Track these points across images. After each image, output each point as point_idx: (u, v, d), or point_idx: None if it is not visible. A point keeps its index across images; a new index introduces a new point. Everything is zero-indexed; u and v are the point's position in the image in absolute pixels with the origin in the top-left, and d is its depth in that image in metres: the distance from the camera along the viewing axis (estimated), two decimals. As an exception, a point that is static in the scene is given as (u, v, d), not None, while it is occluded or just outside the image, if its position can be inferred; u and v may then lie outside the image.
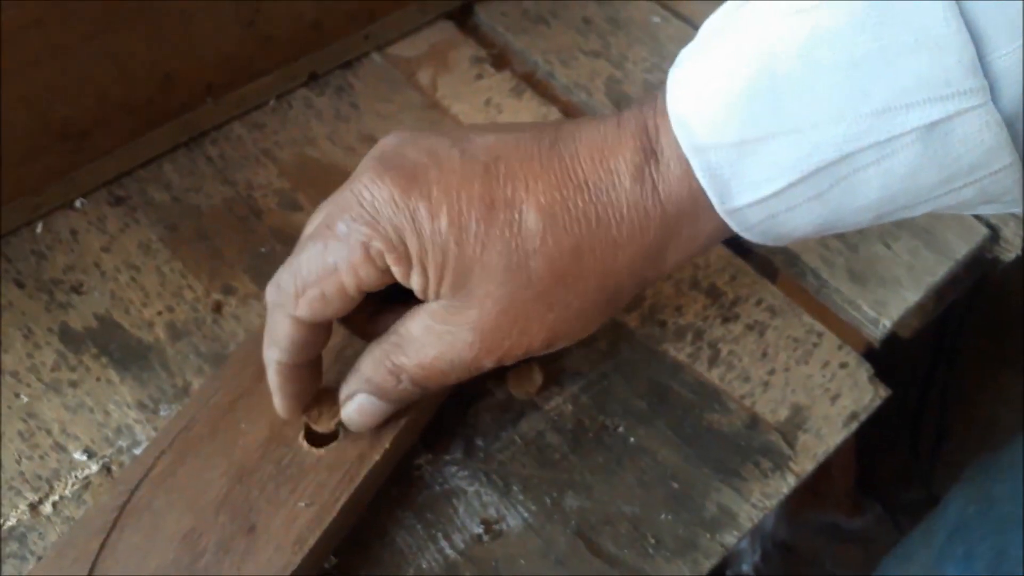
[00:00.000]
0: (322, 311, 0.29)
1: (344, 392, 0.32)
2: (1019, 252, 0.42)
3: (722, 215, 0.27)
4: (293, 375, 0.31)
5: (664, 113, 0.27)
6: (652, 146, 0.27)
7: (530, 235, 0.28)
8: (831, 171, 0.25)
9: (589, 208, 0.28)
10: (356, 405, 0.31)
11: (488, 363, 0.30)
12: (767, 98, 0.24)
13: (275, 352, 0.30)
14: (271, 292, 0.30)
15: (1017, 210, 0.27)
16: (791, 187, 0.25)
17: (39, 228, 0.40)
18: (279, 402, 0.32)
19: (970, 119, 0.23)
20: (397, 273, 0.28)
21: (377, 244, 0.28)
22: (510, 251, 0.28)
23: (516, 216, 0.28)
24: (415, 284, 0.29)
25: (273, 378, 0.31)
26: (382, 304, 0.32)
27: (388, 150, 0.29)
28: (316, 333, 0.30)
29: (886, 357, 0.41)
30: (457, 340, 0.29)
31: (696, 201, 0.27)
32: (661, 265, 0.29)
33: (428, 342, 0.29)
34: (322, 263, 0.28)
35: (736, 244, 0.42)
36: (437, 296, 0.29)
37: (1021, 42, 0.22)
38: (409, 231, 0.28)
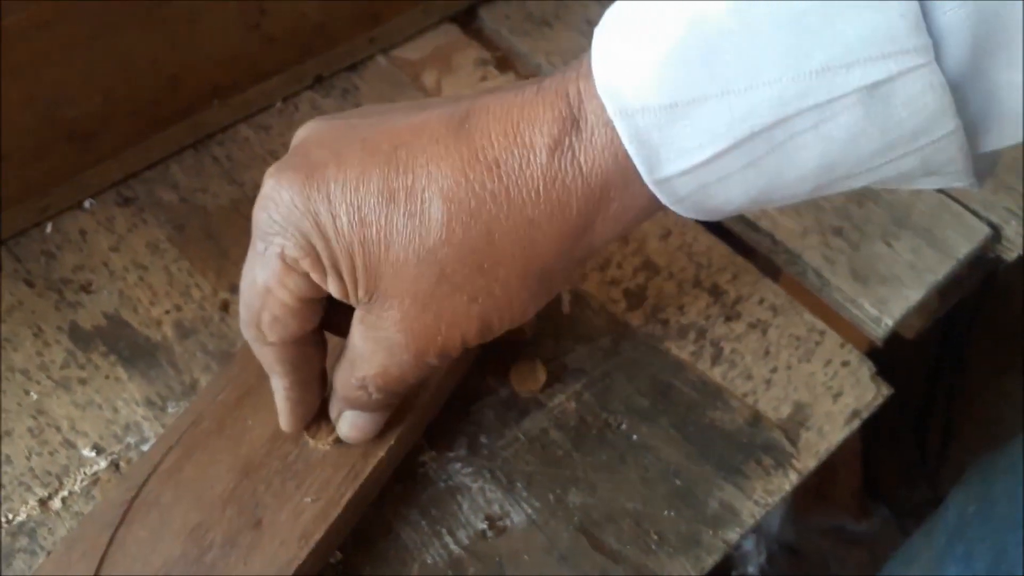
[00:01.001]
0: (284, 331, 0.28)
1: (332, 413, 0.32)
2: (1021, 251, 0.42)
3: (650, 186, 0.25)
4: (300, 397, 0.31)
5: (588, 76, 0.25)
6: (574, 114, 0.25)
7: (435, 225, 0.25)
8: (766, 136, 0.23)
9: (499, 188, 0.25)
10: (347, 422, 0.31)
11: (431, 359, 0.28)
12: (699, 58, 0.22)
13: (276, 379, 0.30)
14: (243, 330, 0.29)
15: (960, 184, 0.25)
16: (724, 153, 0.23)
17: (48, 228, 0.41)
18: (285, 420, 0.32)
19: (913, 80, 0.21)
20: (317, 279, 0.27)
21: (291, 252, 0.27)
22: (416, 245, 0.26)
23: (419, 207, 0.26)
24: (334, 291, 0.27)
25: (281, 404, 0.31)
26: None
27: (296, 144, 0.28)
28: (303, 347, 0.30)
29: (891, 359, 0.41)
30: (392, 343, 0.28)
31: (623, 171, 0.25)
32: (590, 240, 0.26)
33: (370, 350, 0.28)
34: (255, 287, 0.28)
35: (738, 243, 0.43)
36: (358, 301, 0.27)
37: None
38: (315, 235, 0.26)
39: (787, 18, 0.22)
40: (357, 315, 0.28)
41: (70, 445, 0.35)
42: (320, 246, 0.26)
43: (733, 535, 0.34)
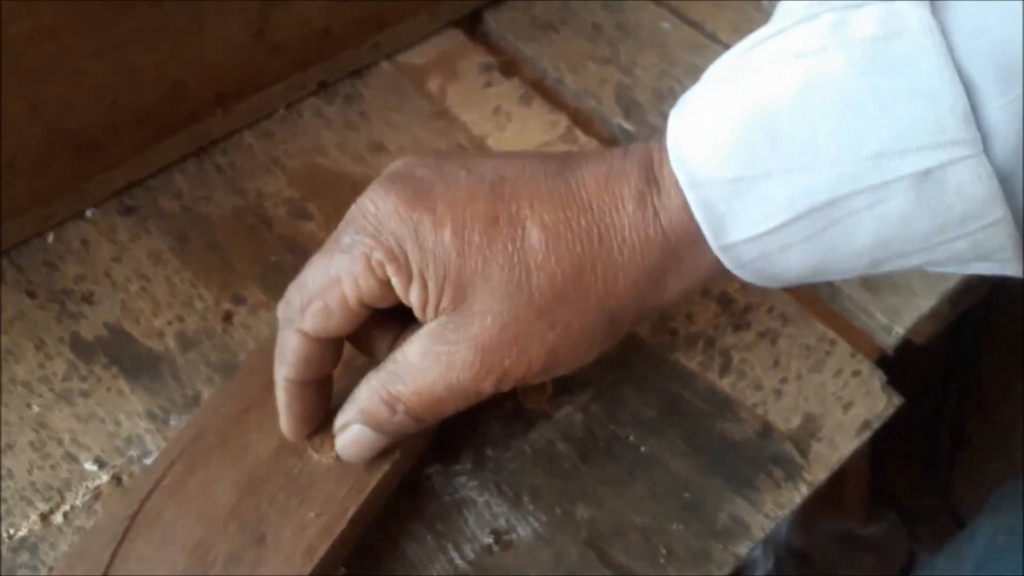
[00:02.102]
0: (325, 324, 0.29)
1: (339, 421, 0.31)
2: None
3: (716, 250, 0.27)
4: (300, 394, 0.31)
5: (665, 149, 0.27)
6: (655, 175, 0.28)
7: (533, 251, 0.28)
8: (824, 212, 0.25)
9: (592, 228, 0.28)
10: (350, 436, 0.31)
11: (487, 386, 0.29)
12: (764, 138, 0.25)
13: (283, 368, 0.30)
14: (281, 308, 0.30)
15: (1014, 272, 0.26)
16: (784, 226, 0.26)
17: (50, 238, 0.41)
18: (285, 422, 0.31)
19: (963, 169, 0.23)
20: (397, 285, 0.28)
21: (378, 255, 0.28)
22: (512, 266, 0.28)
23: (519, 232, 0.28)
24: (414, 298, 0.28)
25: (281, 396, 0.31)
26: (400, 329, 0.32)
27: (398, 168, 0.30)
28: (323, 349, 0.30)
29: (901, 364, 0.41)
30: (456, 360, 0.28)
31: (694, 233, 0.27)
32: (661, 292, 0.29)
33: (425, 366, 0.29)
34: (325, 275, 0.29)
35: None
36: (436, 313, 0.28)
37: (1015, 95, 0.23)
38: (411, 242, 0.28)
39: (846, 107, 0.24)
40: (426, 329, 0.29)
41: (72, 459, 0.35)
42: (413, 253, 0.28)
43: (743, 549, 0.34)
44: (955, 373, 0.82)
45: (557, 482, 0.35)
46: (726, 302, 0.40)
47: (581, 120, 0.45)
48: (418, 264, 0.28)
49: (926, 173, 0.24)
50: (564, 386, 0.37)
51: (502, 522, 0.34)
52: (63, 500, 0.34)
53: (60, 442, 0.35)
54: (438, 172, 0.29)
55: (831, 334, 0.39)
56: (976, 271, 0.27)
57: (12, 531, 0.33)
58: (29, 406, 0.36)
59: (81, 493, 0.34)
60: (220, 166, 0.43)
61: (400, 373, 0.29)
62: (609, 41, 0.48)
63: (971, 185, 0.24)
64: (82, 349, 0.38)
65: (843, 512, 0.86)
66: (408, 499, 0.34)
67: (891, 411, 0.37)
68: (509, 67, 0.47)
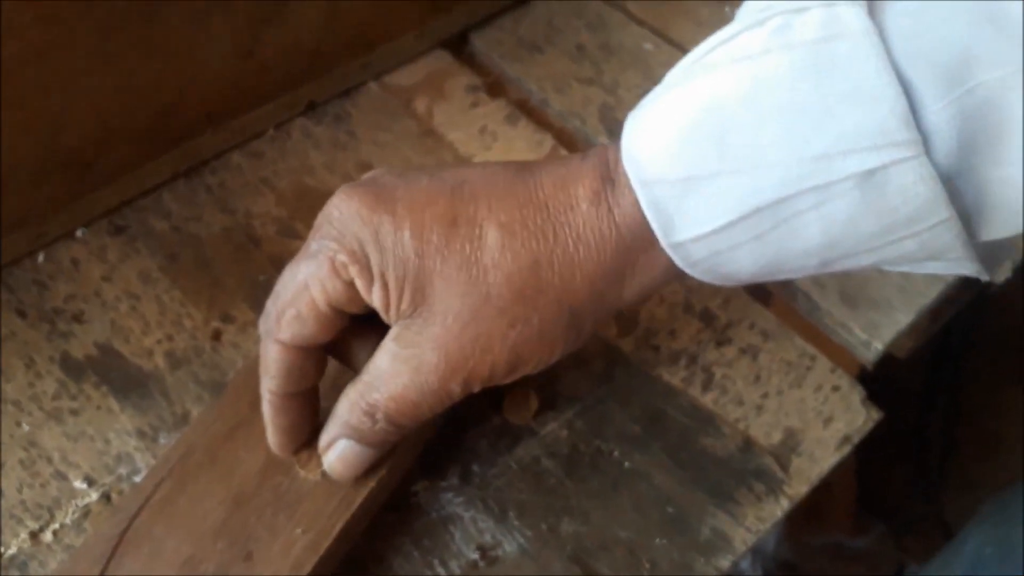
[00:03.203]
0: (300, 332, 0.30)
1: (324, 439, 0.31)
2: (1010, 274, 0.42)
3: (666, 249, 0.28)
4: (285, 407, 0.31)
5: (620, 150, 0.28)
6: (610, 174, 0.28)
7: (490, 250, 0.28)
8: (771, 212, 0.25)
9: (547, 226, 0.28)
10: (338, 453, 0.31)
11: (455, 387, 0.29)
12: (710, 140, 0.26)
13: (267, 381, 0.31)
14: (261, 321, 0.31)
15: (966, 271, 0.27)
16: (731, 225, 0.26)
17: (41, 258, 0.41)
18: (272, 436, 0.32)
19: (904, 170, 0.24)
20: (360, 287, 0.29)
21: (342, 257, 0.29)
22: (470, 265, 0.28)
23: (477, 232, 0.28)
24: (377, 300, 0.29)
25: (267, 409, 0.31)
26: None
27: (365, 177, 0.31)
28: (304, 359, 0.30)
29: (887, 375, 0.41)
30: (422, 363, 0.29)
31: (649, 231, 0.28)
32: (620, 290, 0.29)
33: (395, 371, 0.29)
34: (295, 282, 0.30)
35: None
36: (399, 315, 0.29)
37: (954, 97, 0.23)
38: (372, 244, 0.28)
39: (790, 109, 0.24)
40: (391, 334, 0.29)
41: (61, 477, 0.35)
42: (374, 256, 0.28)
43: (725, 562, 0.34)
44: (942, 383, 0.83)
45: (542, 497, 0.35)
46: (708, 318, 0.40)
47: (566, 140, 0.46)
48: (379, 265, 0.28)
49: (869, 174, 0.24)
50: (549, 402, 0.37)
51: (488, 538, 0.34)
52: (53, 518, 0.34)
53: (50, 460, 0.36)
54: (401, 178, 0.30)
55: (811, 350, 0.40)
56: (931, 270, 0.27)
57: (2, 549, 0.33)
58: (19, 425, 0.37)
59: (71, 511, 0.35)
60: (209, 186, 0.44)
61: (374, 382, 0.30)
62: (593, 62, 0.48)
63: (914, 187, 0.24)
64: (72, 368, 0.38)
65: (831, 524, 0.86)
66: (395, 515, 0.35)
67: (871, 426, 0.38)
68: (495, 88, 0.48)
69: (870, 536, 0.88)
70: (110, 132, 0.40)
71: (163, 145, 0.42)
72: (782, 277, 0.29)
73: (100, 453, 0.36)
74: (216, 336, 0.39)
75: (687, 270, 0.28)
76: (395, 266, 0.28)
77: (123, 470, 0.36)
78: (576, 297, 0.29)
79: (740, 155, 0.25)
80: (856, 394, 0.38)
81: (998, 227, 0.25)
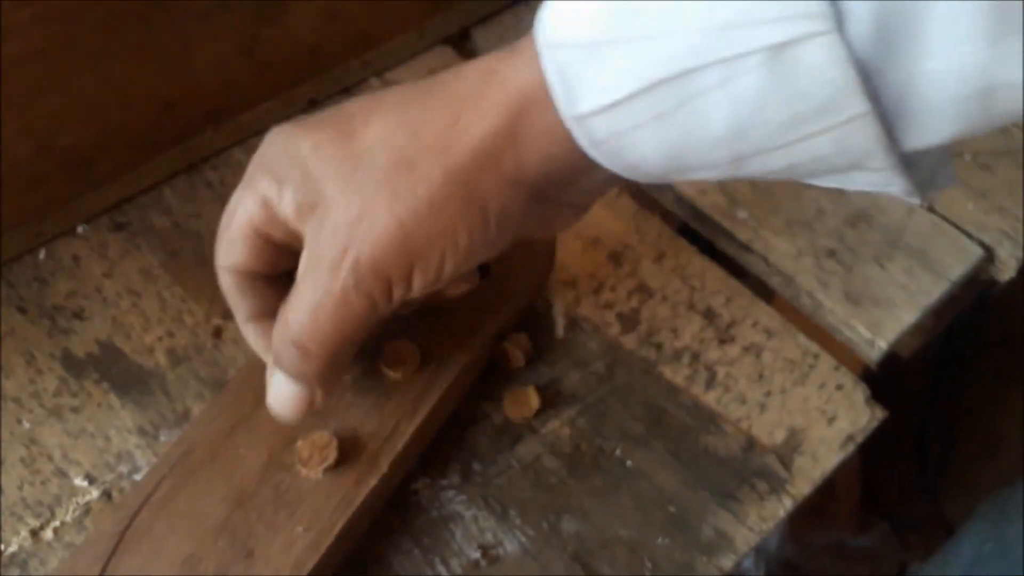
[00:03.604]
0: (234, 256, 0.30)
1: (267, 380, 0.31)
2: (1014, 273, 0.42)
3: (568, 123, 0.26)
4: (262, 329, 0.32)
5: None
6: (513, 49, 0.27)
7: (372, 131, 0.28)
8: (674, 87, 0.24)
9: (428, 98, 0.28)
10: (272, 388, 0.31)
11: (348, 282, 0.27)
12: (619, 5, 0.24)
13: (236, 314, 0.32)
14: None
15: (895, 188, 0.25)
16: (632, 98, 0.24)
17: (41, 254, 0.41)
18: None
19: (816, 47, 0.22)
20: (274, 201, 0.29)
21: (258, 174, 0.29)
22: (354, 150, 0.28)
23: (363, 120, 0.28)
24: (288, 209, 0.29)
25: (248, 337, 0.32)
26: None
27: None
28: (257, 285, 0.31)
29: (890, 374, 0.41)
30: (321, 266, 0.28)
31: (543, 94, 0.26)
32: (515, 155, 0.27)
33: (305, 285, 0.29)
34: (228, 210, 0.31)
35: (731, 265, 0.43)
36: (305, 220, 0.29)
37: None
38: (281, 159, 0.29)
39: None
40: (304, 252, 0.29)
41: (62, 474, 0.35)
42: (282, 167, 0.29)
43: (727, 562, 0.34)
44: (944, 382, 0.83)
45: (544, 496, 0.35)
46: (711, 316, 0.40)
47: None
48: (285, 176, 0.28)
49: (779, 49, 0.22)
50: (551, 400, 0.37)
51: (489, 536, 0.34)
52: (53, 516, 0.34)
53: (50, 458, 0.36)
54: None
55: (815, 348, 0.39)
56: (859, 186, 0.26)
57: (2, 547, 0.33)
58: (20, 422, 0.36)
59: (71, 509, 0.34)
60: (210, 182, 0.44)
61: (291, 301, 0.29)
62: (596, 58, 0.48)
63: (826, 68, 0.22)
64: (73, 365, 0.38)
65: (834, 523, 0.86)
66: (396, 514, 0.34)
67: (874, 425, 0.38)
68: (498, 84, 0.48)
69: (872, 535, 0.88)
70: (109, 130, 0.40)
71: (163, 143, 0.42)
72: (693, 175, 0.27)
73: (101, 450, 0.36)
74: (217, 333, 0.39)
75: (591, 151, 0.26)
76: (296, 173, 0.28)
77: (124, 468, 0.36)
78: (462, 161, 0.27)
79: (646, 22, 0.24)
80: (860, 393, 0.38)
81: (922, 132, 0.23)
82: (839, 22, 0.22)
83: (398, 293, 0.28)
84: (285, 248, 0.30)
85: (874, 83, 0.22)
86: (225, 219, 0.31)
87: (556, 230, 0.32)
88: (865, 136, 0.23)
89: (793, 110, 0.23)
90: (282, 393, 0.31)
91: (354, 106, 0.29)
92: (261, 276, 0.31)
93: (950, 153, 0.27)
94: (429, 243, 0.27)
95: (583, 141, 0.26)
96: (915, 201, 0.26)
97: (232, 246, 0.30)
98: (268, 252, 0.30)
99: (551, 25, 0.25)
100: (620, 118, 0.25)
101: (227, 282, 0.32)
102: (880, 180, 0.25)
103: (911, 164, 0.24)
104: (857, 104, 0.22)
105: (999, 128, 0.45)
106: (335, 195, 0.27)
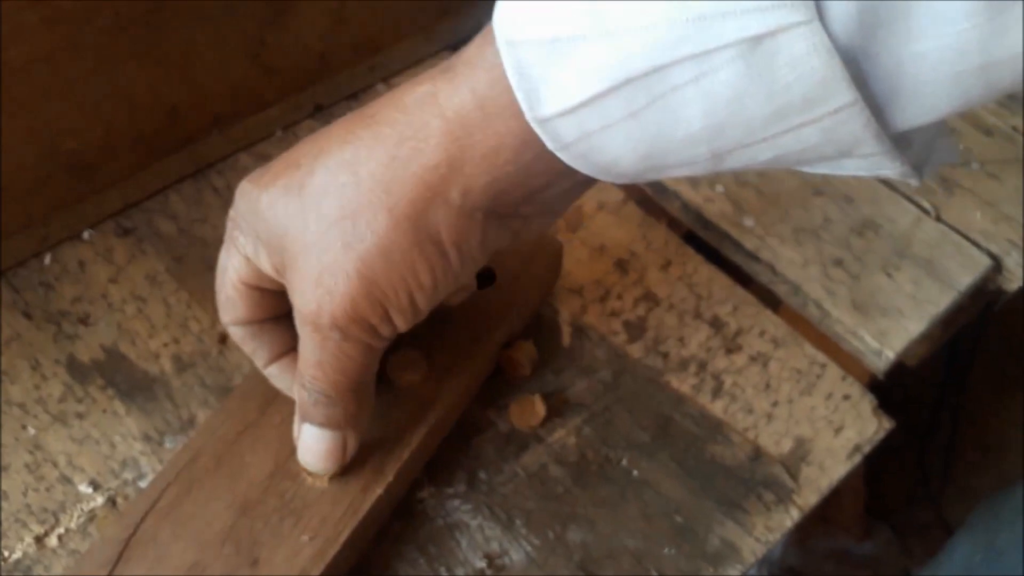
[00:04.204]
0: (235, 312, 0.31)
1: (295, 434, 0.32)
2: (1022, 283, 0.42)
3: (532, 125, 0.24)
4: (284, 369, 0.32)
5: (490, 27, 0.25)
6: (451, 64, 0.26)
7: (318, 178, 0.27)
8: (644, 84, 0.22)
9: (368, 134, 0.26)
10: (302, 443, 0.31)
11: (332, 333, 0.28)
12: None
13: (256, 362, 0.32)
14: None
15: (888, 172, 0.24)
16: (600, 98, 0.23)
17: (47, 259, 0.41)
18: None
19: (795, 39, 0.21)
20: (253, 259, 0.29)
21: (236, 234, 0.29)
22: (304, 200, 0.27)
23: (309, 167, 0.27)
24: (266, 266, 0.29)
25: (275, 383, 0.33)
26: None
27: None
28: (260, 333, 0.32)
29: (893, 382, 0.41)
30: (301, 320, 0.28)
31: (482, 107, 0.25)
32: (461, 181, 0.26)
33: (302, 342, 0.29)
34: (219, 269, 0.31)
35: (738, 273, 0.43)
36: (283, 276, 0.29)
37: None
38: (250, 216, 0.28)
39: None
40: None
41: (67, 481, 0.35)
42: (251, 226, 0.29)
43: (734, 572, 0.34)
44: (948, 390, 0.83)
45: (550, 505, 0.35)
46: (717, 325, 0.40)
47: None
48: (257, 229, 0.28)
49: (754, 42, 0.21)
50: (557, 409, 0.37)
51: (495, 546, 0.34)
52: (58, 523, 0.34)
53: (55, 464, 0.36)
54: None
55: (822, 357, 0.39)
56: (850, 172, 0.24)
57: (7, 554, 0.33)
58: (24, 428, 0.36)
59: (76, 515, 0.34)
60: (216, 188, 0.44)
61: (300, 359, 0.30)
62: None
63: (807, 59, 0.21)
64: (78, 371, 0.38)
65: (837, 529, 0.86)
66: (401, 522, 0.34)
67: (881, 435, 0.37)
68: (504, 90, 0.48)
69: (876, 542, 0.88)
70: (115, 135, 0.40)
71: (169, 147, 0.42)
72: (672, 173, 0.25)
73: (106, 457, 0.36)
74: (223, 340, 0.39)
75: (559, 153, 0.25)
76: (261, 230, 0.28)
77: (129, 474, 0.35)
78: (407, 198, 0.26)
79: (611, 16, 0.22)
80: (867, 403, 0.38)
81: (914, 112, 0.22)
82: (819, 8, 0.20)
83: (386, 331, 0.28)
84: (281, 293, 0.30)
85: (861, 67, 0.21)
86: (219, 279, 0.31)
87: (531, 237, 0.31)
88: (854, 125, 0.22)
89: (775, 103, 0.22)
90: (315, 445, 0.31)
91: (302, 150, 0.28)
92: (268, 321, 0.31)
93: (946, 129, 0.26)
94: (391, 286, 0.27)
95: (549, 143, 0.25)
96: (912, 182, 0.25)
97: (231, 303, 0.31)
98: (266, 301, 0.31)
99: (510, 21, 0.24)
100: (588, 118, 0.24)
101: (237, 335, 0.32)
102: (871, 165, 0.24)
103: (903, 144, 0.23)
104: (843, 93, 0.21)
105: (1007, 139, 0.45)
106: (295, 254, 0.27)
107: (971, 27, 0.20)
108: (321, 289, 0.27)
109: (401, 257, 0.27)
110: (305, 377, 0.29)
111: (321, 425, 0.31)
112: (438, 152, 0.26)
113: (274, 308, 0.31)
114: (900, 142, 0.23)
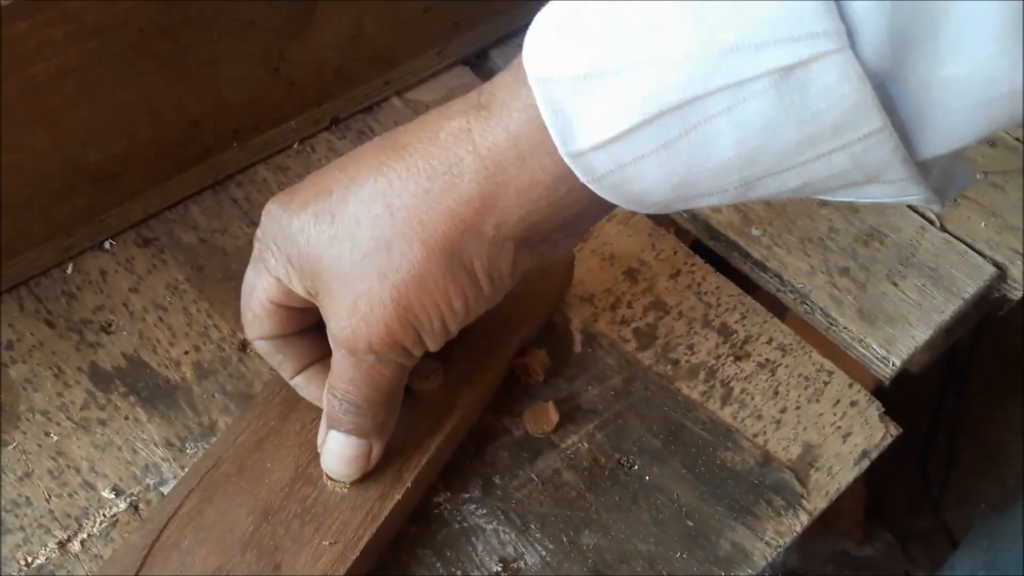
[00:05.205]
0: (262, 330, 0.32)
1: (319, 440, 0.33)
2: (1025, 291, 0.43)
3: (566, 159, 0.25)
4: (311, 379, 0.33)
5: (519, 63, 0.25)
6: (481, 101, 0.26)
7: (351, 207, 0.27)
8: (677, 116, 0.23)
9: (401, 167, 0.27)
10: (327, 449, 0.32)
11: (364, 354, 0.28)
12: (613, 31, 0.23)
13: (283, 375, 0.33)
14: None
15: (913, 197, 0.24)
16: (634, 131, 0.23)
17: (69, 269, 0.42)
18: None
19: (827, 67, 0.21)
20: (284, 280, 0.30)
21: (266, 254, 0.30)
22: (338, 229, 0.28)
23: (342, 194, 0.28)
24: (298, 288, 0.29)
25: (299, 388, 0.34)
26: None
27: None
28: (283, 347, 0.32)
29: (895, 388, 0.42)
30: (336, 341, 0.29)
31: (516, 146, 0.26)
32: (495, 215, 0.27)
33: (337, 361, 0.30)
34: (246, 287, 0.31)
35: (746, 282, 0.43)
36: (315, 298, 0.29)
37: None
38: (280, 239, 0.29)
39: None
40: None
41: (89, 487, 0.36)
42: (283, 249, 0.29)
43: (745, 577, 0.34)
44: (948, 396, 0.83)
45: (563, 510, 0.36)
46: (726, 332, 0.41)
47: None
48: (287, 257, 0.29)
49: (787, 71, 0.21)
50: (570, 415, 0.38)
51: (510, 550, 0.35)
52: (80, 528, 0.35)
53: (78, 470, 0.36)
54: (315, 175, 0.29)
55: (829, 365, 0.40)
56: (874, 198, 0.25)
57: (30, 559, 0.34)
58: (48, 434, 0.37)
59: (98, 521, 0.35)
60: (236, 199, 0.44)
61: (332, 373, 0.30)
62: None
63: (838, 87, 0.21)
64: (100, 378, 0.39)
65: (839, 532, 0.86)
66: (418, 527, 0.35)
67: (888, 441, 0.38)
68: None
69: (877, 545, 0.89)
70: (137, 147, 0.41)
71: (190, 159, 0.43)
72: (702, 202, 0.26)
73: (128, 463, 0.36)
74: (243, 347, 0.39)
75: (592, 186, 0.25)
76: (293, 255, 0.29)
77: (150, 480, 0.36)
78: (441, 230, 0.27)
79: (642, 49, 0.22)
80: (874, 409, 0.39)
81: (941, 139, 0.22)
82: (850, 37, 0.21)
83: (418, 352, 0.30)
84: (307, 310, 0.31)
85: (890, 92, 0.22)
86: (245, 297, 0.31)
87: (557, 258, 0.32)
88: (883, 150, 0.22)
89: (805, 131, 0.22)
90: (341, 451, 0.32)
91: (331, 175, 0.28)
92: (294, 335, 0.32)
93: (961, 154, 0.26)
94: (425, 312, 0.28)
95: (583, 176, 0.25)
96: (935, 207, 0.25)
97: (258, 321, 0.31)
98: (293, 317, 0.31)
99: (540, 58, 0.24)
100: (621, 151, 0.24)
101: (264, 349, 0.32)
102: (896, 191, 0.24)
103: (924, 170, 0.24)
104: (873, 119, 0.22)
105: (1010, 150, 0.46)
106: (329, 280, 0.28)
107: (1000, 52, 0.20)
108: (357, 316, 0.28)
109: (435, 285, 0.27)
110: (337, 389, 0.30)
111: (349, 432, 0.31)
112: (472, 187, 0.26)
113: (300, 323, 0.32)
114: (922, 168, 0.24)
